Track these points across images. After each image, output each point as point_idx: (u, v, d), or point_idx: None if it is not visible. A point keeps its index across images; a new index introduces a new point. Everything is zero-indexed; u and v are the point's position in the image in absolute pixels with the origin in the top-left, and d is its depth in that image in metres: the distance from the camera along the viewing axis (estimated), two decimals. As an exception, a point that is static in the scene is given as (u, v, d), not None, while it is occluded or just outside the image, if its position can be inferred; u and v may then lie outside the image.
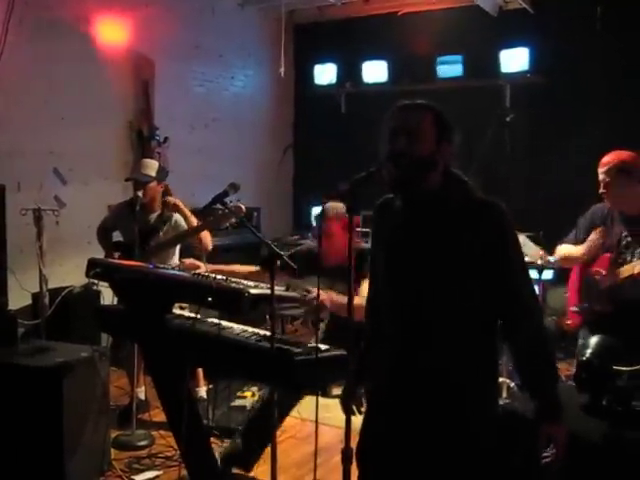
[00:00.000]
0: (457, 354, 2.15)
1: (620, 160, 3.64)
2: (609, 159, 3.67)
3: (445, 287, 2.13)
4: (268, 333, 2.66)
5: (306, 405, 3.78)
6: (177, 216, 4.87)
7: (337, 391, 3.77)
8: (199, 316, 2.94)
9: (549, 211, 6.25)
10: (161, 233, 4.77)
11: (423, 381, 2.18)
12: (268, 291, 2.56)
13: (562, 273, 6.26)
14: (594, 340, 3.48)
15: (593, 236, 3.77)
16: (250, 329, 2.93)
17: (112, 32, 6.18)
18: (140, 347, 4.05)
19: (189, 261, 4.15)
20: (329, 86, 8.00)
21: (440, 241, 2.14)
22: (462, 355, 2.15)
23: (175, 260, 4.82)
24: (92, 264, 3.35)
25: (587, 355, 3.36)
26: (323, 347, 2.58)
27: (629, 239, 3.67)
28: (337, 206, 3.66)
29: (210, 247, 4.75)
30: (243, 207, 3.79)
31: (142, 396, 4.96)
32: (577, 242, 3.87)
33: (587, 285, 3.82)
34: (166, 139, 6.57)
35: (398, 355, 2.23)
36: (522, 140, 6.68)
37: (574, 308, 3.88)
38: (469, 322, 2.15)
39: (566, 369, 5.99)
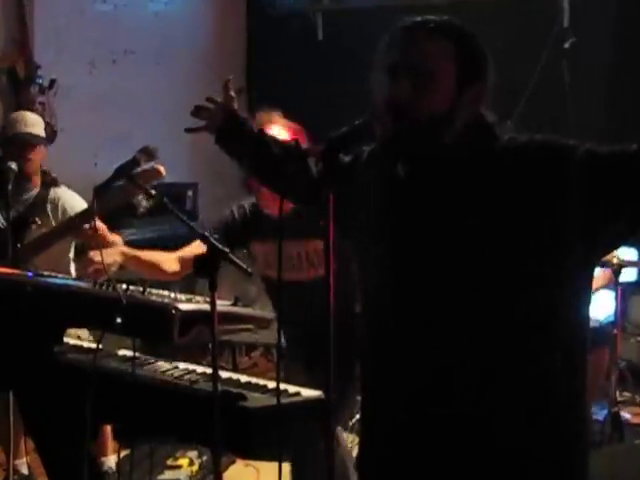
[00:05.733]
0: (515, 392, 2.10)
1: None
2: None
3: (496, 275, 2.06)
4: (209, 370, 2.65)
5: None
6: (65, 193, 4.84)
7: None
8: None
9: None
10: (38, 222, 4.72)
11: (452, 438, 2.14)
12: (207, 306, 2.55)
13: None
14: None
15: None
16: (182, 365, 2.93)
17: None
18: (17, 399, 4.02)
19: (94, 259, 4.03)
20: (298, 2, 8.00)
21: (470, 209, 2.10)
22: (523, 395, 2.10)
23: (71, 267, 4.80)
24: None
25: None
26: (292, 389, 2.57)
27: None
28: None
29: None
30: (162, 169, 3.73)
31: (24, 470, 4.95)
32: None
33: None
34: (53, 83, 6.50)
35: (410, 395, 2.20)
36: (589, 75, 6.71)
37: None
38: (537, 328, 2.09)
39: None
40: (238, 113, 2.69)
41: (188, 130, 2.73)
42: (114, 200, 4.01)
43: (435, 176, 2.17)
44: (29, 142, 4.69)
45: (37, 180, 4.84)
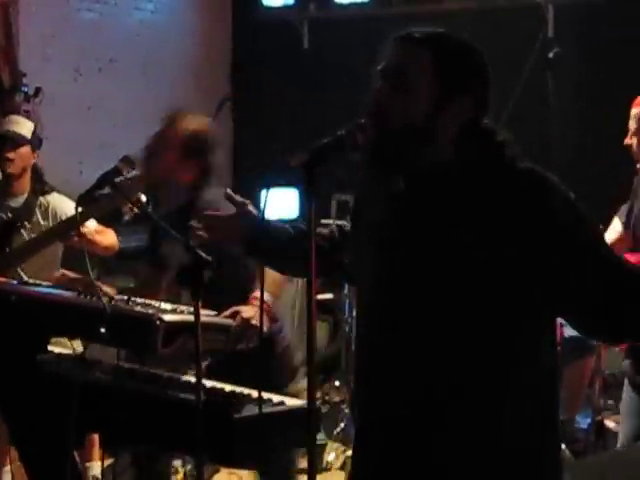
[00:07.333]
0: (495, 427, 2.10)
1: None
2: None
3: (468, 310, 2.06)
4: (193, 379, 2.62)
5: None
6: (55, 197, 4.84)
7: (302, 463, 3.79)
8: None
9: (608, 185, 6.21)
10: (27, 227, 4.72)
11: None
12: (190, 317, 2.54)
13: None
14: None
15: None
16: (166, 374, 2.92)
17: None
18: (1, 408, 4.02)
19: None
20: (284, 8, 8.00)
21: (456, 240, 2.08)
22: (503, 431, 2.10)
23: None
24: None
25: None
26: (275, 398, 2.57)
27: None
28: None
29: (115, 247, 4.77)
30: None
31: (7, 478, 4.93)
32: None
33: None
34: (38, 91, 6.50)
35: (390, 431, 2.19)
36: (572, 86, 6.72)
37: None
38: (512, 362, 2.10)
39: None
40: (257, 217, 2.50)
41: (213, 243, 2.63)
42: (100, 208, 4.03)
43: (426, 191, 2.15)
44: (11, 139, 4.66)
45: (25, 184, 4.82)
